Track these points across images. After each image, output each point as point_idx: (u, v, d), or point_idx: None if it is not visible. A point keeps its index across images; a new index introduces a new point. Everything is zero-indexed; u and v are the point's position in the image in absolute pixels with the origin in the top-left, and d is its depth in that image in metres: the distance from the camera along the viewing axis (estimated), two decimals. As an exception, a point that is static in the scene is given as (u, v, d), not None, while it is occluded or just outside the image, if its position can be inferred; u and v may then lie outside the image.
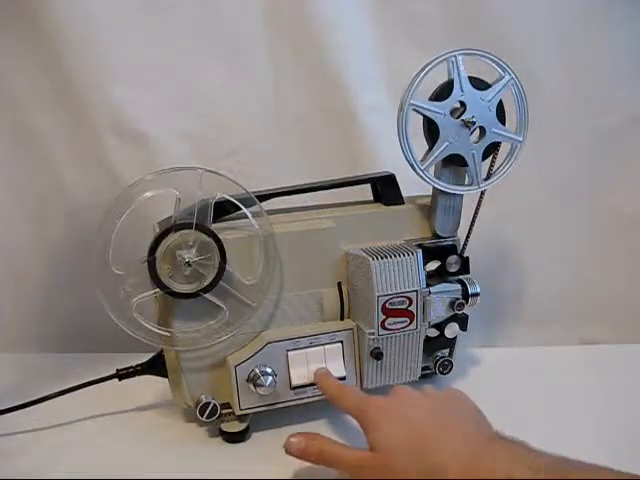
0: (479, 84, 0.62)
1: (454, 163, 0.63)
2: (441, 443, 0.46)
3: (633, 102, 0.77)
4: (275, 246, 0.61)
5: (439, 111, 0.61)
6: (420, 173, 0.62)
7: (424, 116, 0.61)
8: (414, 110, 0.61)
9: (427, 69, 0.60)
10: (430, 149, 0.62)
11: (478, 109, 0.61)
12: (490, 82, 0.62)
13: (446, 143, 0.62)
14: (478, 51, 0.62)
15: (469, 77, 0.61)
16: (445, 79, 0.62)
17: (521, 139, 0.64)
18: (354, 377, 0.63)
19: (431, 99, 0.62)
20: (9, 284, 0.84)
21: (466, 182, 0.65)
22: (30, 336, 0.84)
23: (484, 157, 0.63)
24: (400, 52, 0.77)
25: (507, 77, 0.62)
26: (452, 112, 0.61)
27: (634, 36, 0.75)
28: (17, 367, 0.79)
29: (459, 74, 0.61)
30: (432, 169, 0.64)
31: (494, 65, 0.62)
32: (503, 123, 0.63)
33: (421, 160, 0.62)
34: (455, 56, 0.61)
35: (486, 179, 0.65)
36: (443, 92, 0.61)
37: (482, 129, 0.62)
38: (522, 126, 0.63)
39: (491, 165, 0.64)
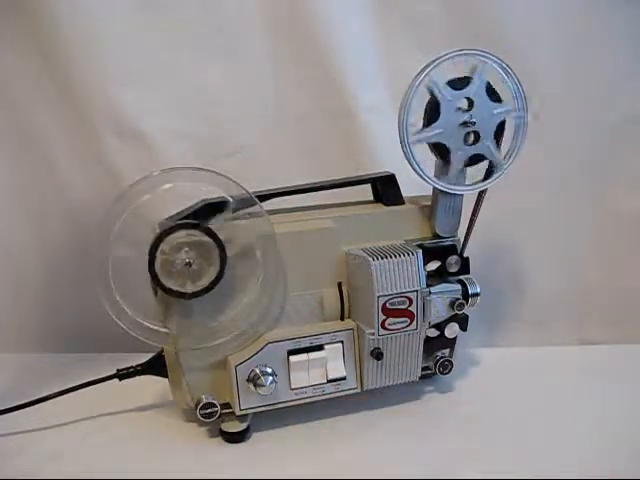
0: (492, 95, 0.62)
1: (439, 154, 0.63)
2: None
3: (633, 101, 0.77)
4: (275, 246, 0.61)
5: (450, 97, 0.61)
6: (407, 150, 0.61)
7: (432, 95, 0.61)
8: (427, 87, 0.60)
9: (454, 55, 0.60)
10: (423, 128, 0.62)
11: (482, 116, 0.62)
12: (502, 99, 0.62)
13: (440, 130, 0.62)
14: (508, 69, 0.62)
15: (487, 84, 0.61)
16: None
17: (505, 167, 0.64)
18: (354, 377, 0.63)
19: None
20: (9, 284, 0.84)
21: (459, 181, 0.64)
22: (30, 336, 0.84)
23: (470, 163, 0.63)
24: (400, 52, 0.77)
25: (513, 108, 0.62)
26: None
27: (634, 36, 0.75)
28: (17, 367, 0.79)
29: (480, 76, 0.61)
30: (432, 170, 0.64)
31: (511, 88, 0.62)
32: (499, 140, 0.63)
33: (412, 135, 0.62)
34: (486, 56, 0.61)
35: (485, 179, 0.64)
36: (456, 84, 0.61)
37: (477, 135, 0.62)
38: (512, 155, 0.64)
39: (491, 165, 0.64)
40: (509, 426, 0.62)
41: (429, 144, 0.62)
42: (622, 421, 0.62)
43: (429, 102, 0.62)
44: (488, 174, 0.64)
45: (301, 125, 0.80)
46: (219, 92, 0.79)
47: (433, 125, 0.62)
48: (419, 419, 0.64)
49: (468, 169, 0.64)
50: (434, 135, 0.62)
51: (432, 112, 0.62)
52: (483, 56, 0.61)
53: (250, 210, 0.60)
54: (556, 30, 0.76)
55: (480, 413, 0.65)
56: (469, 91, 0.61)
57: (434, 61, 0.60)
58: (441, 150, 0.63)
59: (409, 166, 0.62)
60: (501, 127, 0.63)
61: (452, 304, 0.63)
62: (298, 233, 0.62)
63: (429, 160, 0.63)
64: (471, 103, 0.61)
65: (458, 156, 0.63)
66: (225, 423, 0.62)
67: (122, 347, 0.70)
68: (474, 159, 0.63)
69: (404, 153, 0.62)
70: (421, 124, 0.62)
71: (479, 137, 0.62)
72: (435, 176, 0.64)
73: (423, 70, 0.60)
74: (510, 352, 0.79)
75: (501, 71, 0.62)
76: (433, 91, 0.61)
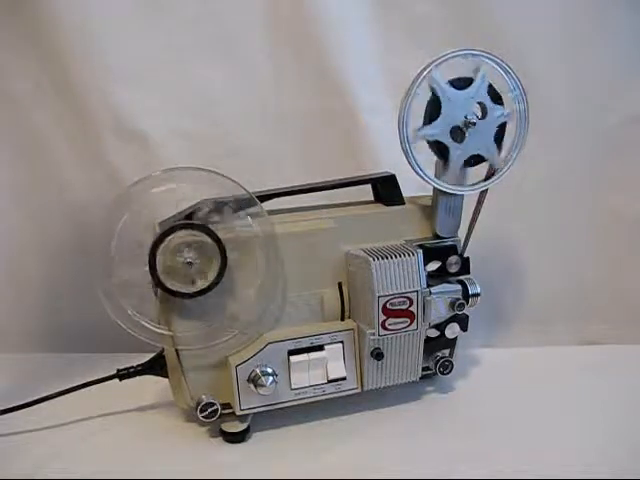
0: (495, 96, 0.62)
1: (439, 152, 0.63)
2: None
3: (633, 102, 0.77)
4: (276, 246, 0.61)
5: (451, 96, 0.61)
6: (407, 148, 0.61)
7: (434, 94, 0.61)
8: (429, 84, 0.60)
9: (456, 54, 0.60)
10: (423, 125, 0.62)
11: (484, 117, 0.62)
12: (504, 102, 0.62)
13: (440, 128, 0.61)
14: (510, 71, 0.62)
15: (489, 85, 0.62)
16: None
17: (505, 168, 0.63)
18: (354, 377, 0.63)
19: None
20: (9, 284, 0.84)
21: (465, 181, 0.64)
22: (30, 336, 0.84)
23: (470, 164, 0.63)
24: (400, 52, 0.77)
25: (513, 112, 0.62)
26: None
27: (634, 36, 0.75)
28: (17, 367, 0.79)
29: (483, 77, 0.61)
30: (432, 170, 0.64)
31: (509, 82, 0.62)
32: (500, 142, 0.63)
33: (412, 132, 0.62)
34: (489, 58, 0.61)
35: (486, 179, 0.64)
36: (458, 84, 0.61)
37: (478, 136, 0.62)
38: (513, 155, 0.63)
39: (491, 165, 0.64)
40: (509, 426, 0.62)
41: (428, 142, 0.62)
42: (622, 421, 0.62)
43: (430, 100, 0.62)
44: (489, 174, 0.65)
45: (301, 125, 0.80)
46: (219, 92, 0.79)
47: (433, 123, 0.61)
48: (419, 419, 0.64)
49: (468, 169, 0.64)
50: (434, 133, 0.62)
51: (433, 110, 0.61)
52: (486, 57, 0.61)
53: (250, 210, 0.60)
54: (556, 30, 0.76)
55: (480, 413, 0.65)
56: (471, 91, 0.61)
57: (436, 59, 0.60)
58: (441, 149, 0.62)
59: (409, 166, 0.62)
60: (502, 129, 0.63)
61: (452, 304, 0.63)
62: (298, 233, 0.62)
63: (429, 160, 0.63)
64: (484, 108, 0.62)
65: (457, 155, 0.62)
66: (225, 423, 0.62)
67: (122, 347, 0.70)
68: (474, 160, 0.63)
69: (404, 152, 0.61)
70: (422, 123, 0.62)
71: (480, 138, 0.62)
72: (435, 176, 0.64)
73: (425, 68, 0.60)
74: (510, 352, 0.79)
75: (503, 74, 0.62)
76: (434, 89, 0.61)
